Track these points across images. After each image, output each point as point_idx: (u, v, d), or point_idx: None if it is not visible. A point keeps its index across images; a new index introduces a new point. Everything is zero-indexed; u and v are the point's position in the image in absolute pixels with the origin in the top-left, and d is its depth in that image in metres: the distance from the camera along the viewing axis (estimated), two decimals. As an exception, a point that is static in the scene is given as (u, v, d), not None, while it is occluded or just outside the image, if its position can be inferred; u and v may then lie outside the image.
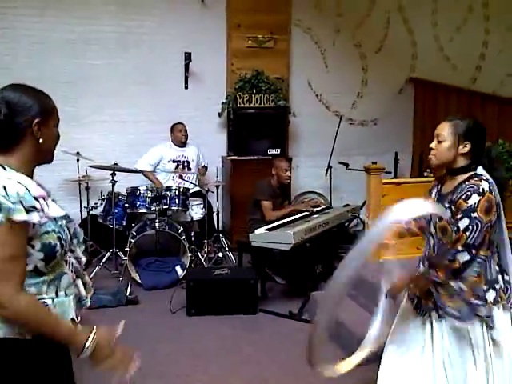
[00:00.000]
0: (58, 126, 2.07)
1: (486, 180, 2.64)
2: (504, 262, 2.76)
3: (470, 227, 2.58)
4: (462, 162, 2.73)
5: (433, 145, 2.76)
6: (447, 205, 2.70)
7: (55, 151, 2.10)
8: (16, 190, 1.79)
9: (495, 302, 2.69)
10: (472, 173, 2.70)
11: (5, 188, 1.78)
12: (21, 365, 1.90)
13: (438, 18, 8.81)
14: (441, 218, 2.71)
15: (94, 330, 1.94)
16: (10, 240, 1.77)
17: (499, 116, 7.42)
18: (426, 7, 8.76)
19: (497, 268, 2.72)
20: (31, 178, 1.97)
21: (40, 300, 1.88)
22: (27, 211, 1.79)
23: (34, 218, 1.80)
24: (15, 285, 1.79)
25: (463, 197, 2.61)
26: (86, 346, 1.90)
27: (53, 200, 2.03)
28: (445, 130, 2.72)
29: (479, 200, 2.57)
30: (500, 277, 2.72)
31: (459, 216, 2.61)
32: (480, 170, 2.71)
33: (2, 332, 1.84)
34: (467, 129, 2.70)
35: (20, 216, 1.77)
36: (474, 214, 2.57)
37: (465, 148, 2.69)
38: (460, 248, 2.59)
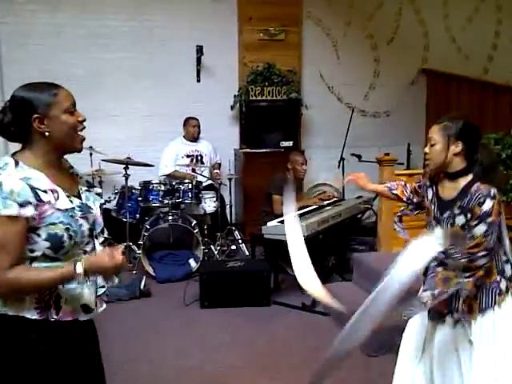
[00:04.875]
0: (71, 110, 2.11)
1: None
2: (508, 251, 2.76)
3: (489, 232, 2.56)
4: (458, 165, 2.69)
5: (426, 149, 2.75)
6: (457, 211, 2.67)
7: (80, 138, 2.16)
8: (11, 186, 1.94)
9: (507, 290, 2.70)
10: (474, 175, 2.68)
11: (0, 184, 1.94)
12: (28, 342, 2.04)
13: (450, 9, 8.77)
14: (452, 224, 2.69)
15: (80, 260, 2.03)
16: None
17: (511, 106, 7.38)
18: (438, -3, 8.74)
19: (504, 257, 2.72)
20: (56, 168, 2.13)
21: None
22: (21, 206, 1.94)
23: (27, 212, 1.95)
24: (1, 267, 1.93)
25: (476, 203, 2.58)
26: (77, 272, 1.99)
27: (89, 187, 2.24)
28: (435, 132, 2.70)
29: (493, 204, 2.56)
30: (508, 266, 2.72)
31: (475, 222, 2.58)
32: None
33: (11, 311, 2.02)
34: (457, 129, 2.66)
35: (9, 211, 1.92)
36: (490, 219, 2.55)
37: (457, 148, 2.65)
38: (481, 253, 2.57)
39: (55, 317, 2.06)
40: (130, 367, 4.17)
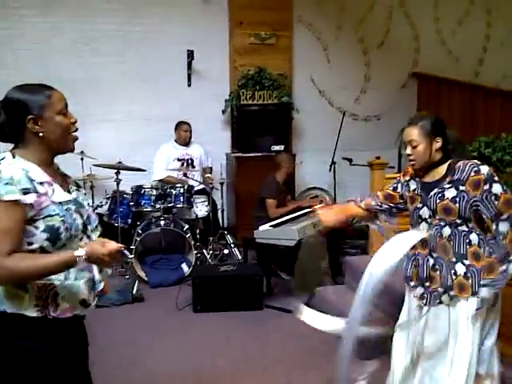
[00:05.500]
0: (64, 112, 2.15)
1: None
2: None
3: (505, 187, 2.68)
4: (438, 156, 2.84)
5: (408, 151, 2.85)
6: (447, 185, 2.77)
7: (71, 139, 2.21)
8: (11, 173, 1.99)
9: None
10: (454, 159, 2.83)
11: (0, 172, 1.98)
12: (26, 339, 2.06)
13: (440, 12, 8.81)
14: (441, 198, 2.77)
15: (83, 247, 2.08)
16: (0, 217, 1.96)
17: (502, 109, 7.42)
18: (428, 1, 8.76)
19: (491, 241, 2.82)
20: (51, 166, 2.18)
21: (48, 281, 2.07)
22: (23, 193, 1.98)
23: (28, 198, 1.99)
24: (3, 255, 1.94)
25: (472, 173, 2.70)
26: (77, 257, 2.02)
27: (78, 187, 2.29)
28: (415, 134, 2.82)
29: (489, 169, 2.71)
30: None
31: (486, 186, 2.67)
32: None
33: (10, 308, 2.03)
34: (433, 125, 2.82)
35: (10, 196, 1.96)
36: (496, 178, 2.69)
37: (437, 143, 2.82)
38: None
39: (53, 314, 2.08)
40: (122, 372, 4.16)
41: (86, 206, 2.26)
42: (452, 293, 2.78)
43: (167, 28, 7.71)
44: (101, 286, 2.28)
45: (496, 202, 2.66)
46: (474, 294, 2.74)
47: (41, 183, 2.05)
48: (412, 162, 2.86)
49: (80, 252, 2.02)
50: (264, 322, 5.21)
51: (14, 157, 2.06)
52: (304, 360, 4.38)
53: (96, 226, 2.31)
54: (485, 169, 2.68)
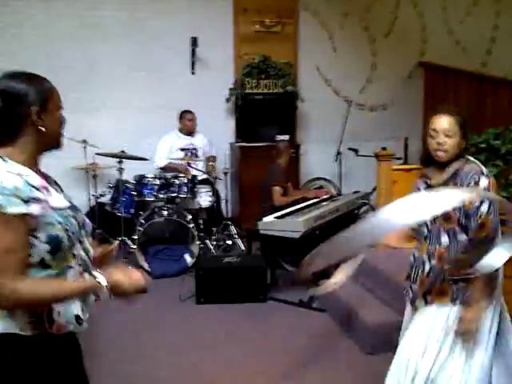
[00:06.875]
0: (60, 108, 2.03)
1: (483, 164, 2.65)
2: None
3: (491, 209, 2.54)
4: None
5: (441, 140, 2.65)
6: None
7: (63, 136, 2.07)
8: (13, 182, 1.79)
9: None
10: (465, 159, 2.69)
11: (1, 182, 1.78)
12: (22, 360, 1.90)
13: (448, 1, 8.69)
14: None
15: (103, 275, 1.97)
16: (5, 233, 1.77)
17: (510, 100, 7.32)
18: (436, -11, 8.66)
19: None
20: (36, 166, 1.99)
21: None
22: (26, 202, 1.79)
23: (33, 209, 1.81)
24: (11, 276, 1.77)
25: (472, 182, 2.57)
26: (103, 287, 1.93)
27: (61, 190, 2.07)
28: (451, 124, 2.65)
29: (489, 181, 2.57)
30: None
31: (477, 203, 2.54)
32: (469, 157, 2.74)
33: (1, 327, 1.86)
34: (464, 121, 2.68)
35: (16, 209, 1.77)
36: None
37: (464, 142, 2.67)
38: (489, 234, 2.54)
39: (49, 331, 1.92)
40: (124, 365, 4.11)
41: (80, 211, 2.09)
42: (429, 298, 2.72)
43: (171, 15, 7.63)
44: (91, 300, 2.11)
45: (474, 222, 2.56)
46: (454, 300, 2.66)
47: (37, 188, 1.86)
48: (442, 154, 2.66)
49: (103, 281, 1.92)
50: (268, 314, 5.17)
51: (4, 160, 1.86)
52: (307, 352, 4.34)
53: (86, 232, 2.10)
54: (483, 182, 2.56)
